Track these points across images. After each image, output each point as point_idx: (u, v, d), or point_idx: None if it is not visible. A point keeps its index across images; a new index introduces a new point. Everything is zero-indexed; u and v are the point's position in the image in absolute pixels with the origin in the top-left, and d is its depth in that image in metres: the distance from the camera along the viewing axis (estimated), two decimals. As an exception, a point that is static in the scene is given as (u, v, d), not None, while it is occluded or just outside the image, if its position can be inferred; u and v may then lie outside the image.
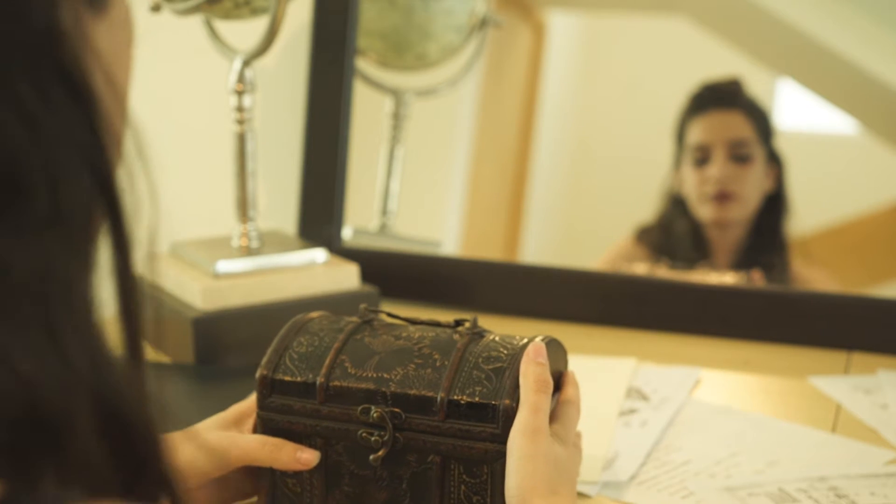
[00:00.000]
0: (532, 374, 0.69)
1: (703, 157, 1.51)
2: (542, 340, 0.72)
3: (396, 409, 0.70)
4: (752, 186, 1.51)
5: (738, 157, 1.50)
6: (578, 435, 0.76)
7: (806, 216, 1.56)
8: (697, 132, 1.53)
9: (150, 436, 0.40)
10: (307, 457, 0.72)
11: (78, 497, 0.36)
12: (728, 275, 1.41)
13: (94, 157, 0.39)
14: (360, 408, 0.71)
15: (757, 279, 1.41)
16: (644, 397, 0.99)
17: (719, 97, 1.55)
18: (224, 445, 0.71)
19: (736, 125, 1.54)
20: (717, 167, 1.49)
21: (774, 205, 1.51)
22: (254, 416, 0.74)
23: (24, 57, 0.37)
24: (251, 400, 0.75)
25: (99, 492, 0.37)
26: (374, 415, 0.70)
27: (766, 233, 1.51)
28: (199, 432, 0.72)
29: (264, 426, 0.73)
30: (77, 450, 0.37)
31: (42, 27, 0.38)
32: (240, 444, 0.71)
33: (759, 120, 1.55)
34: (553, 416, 0.72)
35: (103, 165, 0.39)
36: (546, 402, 0.68)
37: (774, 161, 1.53)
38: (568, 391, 0.74)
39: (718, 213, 1.51)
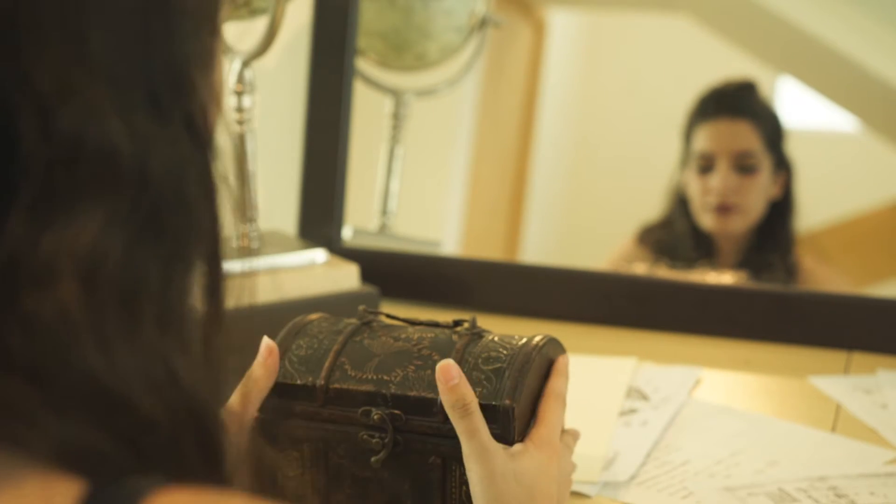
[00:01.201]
0: (450, 401, 0.66)
1: (707, 166, 1.49)
2: (542, 340, 0.72)
3: (397, 411, 0.70)
4: (756, 197, 1.49)
5: (743, 167, 1.48)
6: (570, 433, 0.74)
7: (806, 213, 1.56)
8: (703, 139, 1.50)
9: (219, 427, 0.44)
10: (265, 349, 0.72)
11: (160, 483, 0.39)
12: (727, 274, 1.41)
13: (209, 198, 0.46)
14: (360, 410, 0.71)
15: (740, 278, 1.40)
16: (644, 397, 0.99)
17: (728, 104, 1.51)
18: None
19: (743, 135, 1.50)
20: (721, 178, 1.47)
21: (780, 210, 1.49)
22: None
23: (162, 100, 0.43)
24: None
25: (178, 478, 0.40)
26: (375, 417, 0.70)
27: (771, 236, 1.50)
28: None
29: (263, 429, 0.73)
30: (161, 444, 0.41)
31: (179, 78, 0.44)
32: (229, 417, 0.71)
33: (769, 128, 1.51)
34: (537, 416, 0.71)
35: (214, 206, 0.46)
36: (478, 421, 0.66)
37: (783, 167, 1.50)
38: (553, 383, 0.72)
39: (720, 224, 1.49)
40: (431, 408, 0.70)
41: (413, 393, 0.70)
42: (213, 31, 0.47)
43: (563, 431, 0.73)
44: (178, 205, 0.43)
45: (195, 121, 0.45)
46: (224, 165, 0.47)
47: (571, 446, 0.74)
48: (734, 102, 1.52)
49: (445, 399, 0.66)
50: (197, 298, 0.46)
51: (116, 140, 0.41)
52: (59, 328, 0.39)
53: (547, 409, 0.71)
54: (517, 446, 0.67)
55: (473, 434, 0.65)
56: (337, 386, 0.72)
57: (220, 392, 0.47)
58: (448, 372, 0.66)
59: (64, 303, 0.39)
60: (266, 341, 0.72)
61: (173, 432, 0.41)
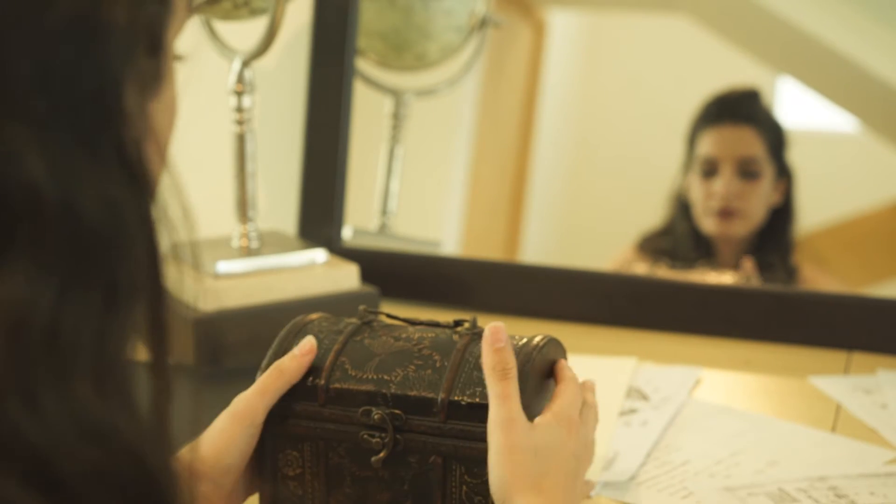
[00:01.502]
0: (491, 362, 0.67)
1: (710, 170, 1.50)
2: (542, 340, 0.72)
3: (397, 411, 0.70)
4: (758, 202, 1.50)
5: (746, 173, 1.49)
6: (590, 407, 0.73)
7: (805, 214, 1.56)
8: (707, 144, 1.52)
9: (167, 477, 0.42)
10: (306, 346, 0.72)
11: None
12: (727, 274, 1.41)
13: (147, 237, 0.42)
14: (360, 410, 0.71)
15: (748, 269, 1.40)
16: (644, 397, 0.99)
17: (733, 110, 1.53)
18: (233, 412, 0.70)
19: (747, 142, 1.52)
20: (724, 183, 1.48)
21: (781, 216, 1.51)
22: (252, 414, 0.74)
23: (93, 135, 0.40)
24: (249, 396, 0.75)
25: None
26: (375, 417, 0.70)
27: (771, 242, 1.51)
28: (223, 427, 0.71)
29: (264, 429, 0.73)
30: (95, 500, 0.39)
31: (111, 109, 0.41)
32: (250, 401, 0.70)
33: (772, 135, 1.53)
34: (554, 394, 0.70)
35: (153, 244, 0.43)
36: (513, 389, 0.66)
37: (784, 174, 1.52)
38: (562, 374, 0.72)
39: (721, 228, 1.50)
40: (432, 407, 0.70)
41: (413, 393, 0.70)
42: (155, 50, 0.44)
43: (584, 405, 0.72)
44: (111, 248, 0.40)
45: (129, 154, 0.41)
46: (164, 199, 0.44)
47: (591, 422, 0.72)
48: (739, 109, 1.53)
49: (487, 360, 0.67)
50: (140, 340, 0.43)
51: (38, 180, 0.38)
52: None
53: (564, 386, 0.70)
54: (538, 419, 0.67)
55: (505, 400, 0.65)
56: (337, 386, 0.72)
57: (165, 438, 0.44)
58: (497, 334, 0.67)
59: None
60: (311, 340, 0.73)
61: (108, 488, 0.39)
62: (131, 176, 0.41)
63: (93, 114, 0.40)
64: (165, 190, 0.45)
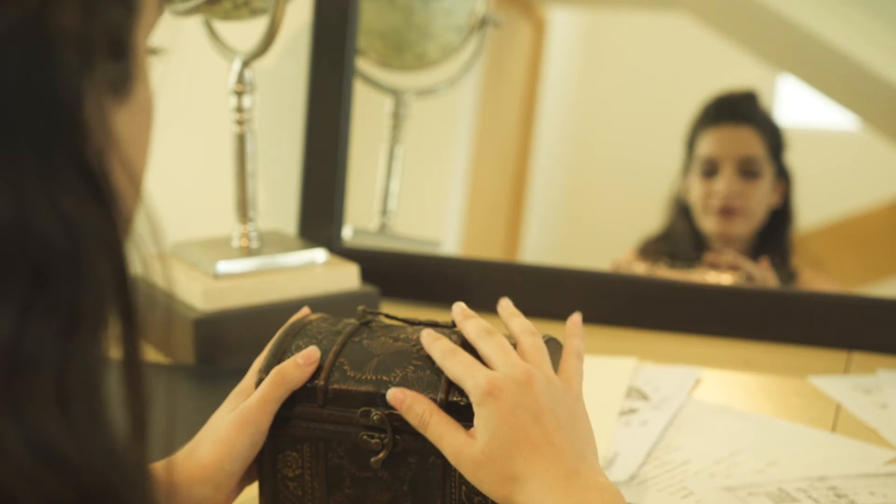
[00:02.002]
0: (412, 421, 0.68)
1: (711, 170, 1.51)
2: (542, 340, 0.73)
3: (396, 412, 0.70)
4: (758, 202, 1.51)
5: (747, 172, 1.50)
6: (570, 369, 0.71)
7: (805, 212, 1.56)
8: (708, 145, 1.52)
9: (142, 498, 0.40)
10: (311, 357, 0.72)
11: None
12: (727, 274, 1.41)
13: (112, 254, 0.40)
14: (359, 410, 0.71)
15: (765, 267, 1.40)
16: (644, 397, 0.99)
17: (733, 111, 1.54)
18: (238, 421, 0.70)
19: (747, 141, 1.53)
20: (725, 182, 1.49)
21: (779, 218, 1.51)
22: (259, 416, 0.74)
23: (47, 150, 0.38)
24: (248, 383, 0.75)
25: None
26: (374, 417, 0.70)
27: (771, 244, 1.51)
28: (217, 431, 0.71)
29: (264, 430, 0.74)
30: None
31: (67, 122, 0.38)
32: (254, 411, 0.70)
33: (772, 136, 1.54)
34: (559, 371, 0.70)
35: (119, 262, 0.40)
36: (437, 428, 0.66)
37: (783, 176, 1.53)
38: (570, 343, 0.72)
39: (722, 227, 1.51)
40: None
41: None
42: (120, 54, 0.42)
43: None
44: (72, 269, 0.38)
45: (89, 167, 0.39)
46: (135, 225, 0.42)
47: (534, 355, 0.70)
48: (739, 109, 1.54)
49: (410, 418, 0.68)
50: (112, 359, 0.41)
51: None
52: None
53: (567, 364, 0.70)
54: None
55: (439, 441, 0.66)
56: (336, 386, 0.72)
57: (141, 464, 0.42)
58: (397, 401, 0.68)
59: None
60: (315, 350, 0.72)
61: None
62: (92, 190, 0.39)
63: (46, 126, 0.38)
64: (132, 201, 0.42)
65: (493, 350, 0.68)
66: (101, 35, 0.40)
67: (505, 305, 0.76)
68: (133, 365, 0.42)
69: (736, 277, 1.37)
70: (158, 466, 0.48)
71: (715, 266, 1.34)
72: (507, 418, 0.64)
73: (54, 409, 0.38)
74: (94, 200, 0.39)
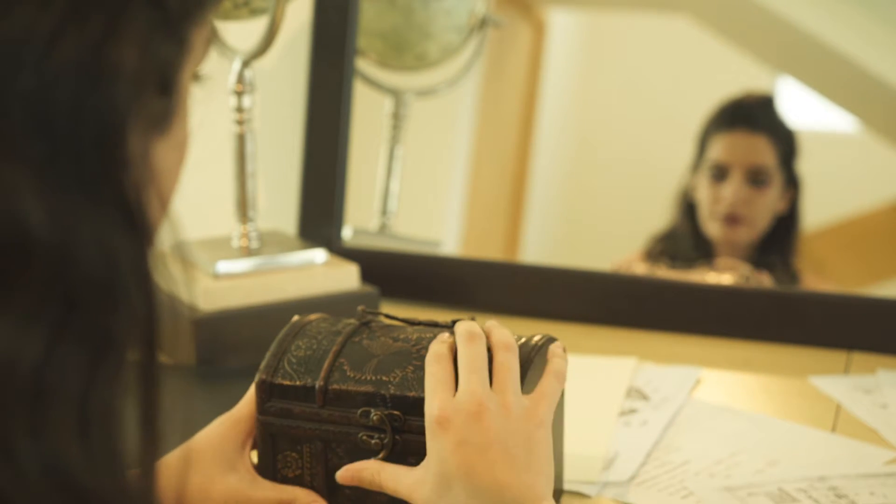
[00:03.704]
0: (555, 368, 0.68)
1: (720, 174, 1.50)
2: (541, 340, 0.72)
3: (396, 412, 0.70)
4: (765, 210, 1.50)
5: (756, 181, 1.49)
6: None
7: (806, 214, 1.56)
8: (719, 149, 1.51)
9: None
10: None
11: None
12: (727, 275, 1.41)
13: (144, 286, 0.41)
14: (359, 411, 0.71)
15: (765, 280, 1.40)
16: (644, 397, 0.99)
17: (747, 117, 1.53)
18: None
19: (759, 150, 1.52)
20: (733, 189, 1.48)
21: (785, 225, 1.51)
22: (250, 419, 0.74)
23: (93, 179, 0.39)
24: (249, 402, 0.75)
25: None
26: (374, 418, 0.70)
27: (774, 249, 1.51)
28: (210, 488, 0.71)
29: (264, 431, 0.73)
30: None
31: (112, 153, 0.39)
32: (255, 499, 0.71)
33: (785, 144, 1.53)
34: (536, 392, 0.69)
35: (150, 294, 0.41)
36: (384, 480, 0.67)
37: (792, 183, 1.52)
38: (552, 364, 0.70)
39: (726, 234, 1.50)
40: None
41: (412, 393, 0.70)
42: (167, 90, 0.43)
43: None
44: (104, 297, 0.39)
45: (128, 200, 0.40)
46: (161, 249, 0.42)
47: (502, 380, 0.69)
48: (755, 116, 1.53)
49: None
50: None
51: (33, 225, 0.37)
52: None
53: (543, 384, 0.69)
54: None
55: (395, 491, 0.66)
56: (336, 387, 0.72)
57: (150, 489, 0.42)
58: (346, 479, 0.69)
59: None
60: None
61: None
62: (130, 223, 0.40)
63: (93, 158, 0.39)
64: (164, 236, 0.43)
65: (463, 364, 0.66)
66: (153, 71, 0.41)
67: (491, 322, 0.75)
68: (150, 395, 0.42)
69: (736, 277, 1.37)
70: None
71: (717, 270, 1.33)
72: (453, 452, 0.63)
73: (74, 435, 0.38)
74: (132, 232, 0.40)
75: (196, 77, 0.47)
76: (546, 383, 0.69)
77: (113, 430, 0.40)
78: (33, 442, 0.37)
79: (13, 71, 0.37)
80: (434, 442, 0.65)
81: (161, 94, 0.42)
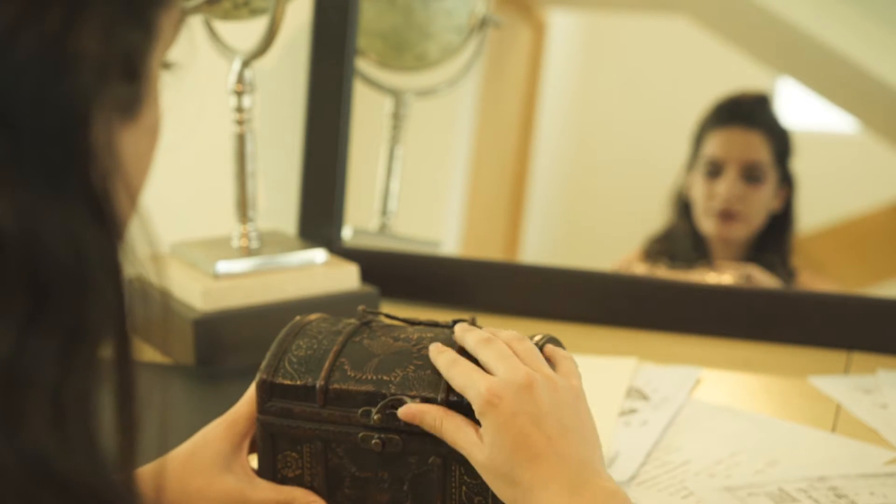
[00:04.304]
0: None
1: (714, 171, 1.51)
2: (541, 340, 0.72)
3: (396, 412, 0.70)
4: (759, 207, 1.51)
5: (750, 177, 1.50)
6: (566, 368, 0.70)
7: (805, 215, 1.56)
8: (714, 145, 1.52)
9: None
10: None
11: None
12: (727, 274, 1.41)
13: (112, 274, 0.41)
14: (360, 410, 0.71)
15: (758, 277, 1.40)
16: (644, 397, 0.99)
17: (743, 114, 1.54)
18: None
19: (754, 146, 1.52)
20: (727, 185, 1.49)
21: (779, 223, 1.51)
22: (250, 419, 0.74)
23: (57, 169, 0.38)
24: (247, 402, 0.75)
25: None
26: (375, 417, 0.70)
27: (769, 247, 1.51)
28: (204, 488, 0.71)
29: (264, 430, 0.73)
30: None
31: (77, 142, 0.39)
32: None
33: (779, 142, 1.53)
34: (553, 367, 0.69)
35: (118, 282, 0.41)
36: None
37: (786, 182, 1.52)
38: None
39: (721, 230, 1.50)
40: None
41: (413, 393, 0.70)
42: (133, 76, 0.42)
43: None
44: (73, 288, 0.39)
45: (95, 190, 0.39)
46: (130, 241, 0.42)
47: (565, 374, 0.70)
48: (750, 113, 1.54)
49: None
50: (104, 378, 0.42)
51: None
52: None
53: (564, 365, 0.69)
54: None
55: (454, 444, 0.66)
56: (336, 386, 0.72)
57: (129, 476, 0.43)
58: (410, 416, 0.68)
59: None
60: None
61: None
62: (97, 213, 0.40)
63: (58, 150, 0.38)
64: (133, 225, 0.43)
65: (492, 358, 0.67)
66: (118, 59, 0.41)
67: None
68: (126, 383, 0.43)
69: (735, 277, 1.37)
70: (146, 471, 0.48)
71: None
72: (508, 427, 0.63)
73: (49, 425, 0.38)
74: (99, 222, 0.40)
75: (166, 65, 0.46)
76: (566, 364, 0.69)
77: (89, 419, 0.40)
78: (9, 435, 0.37)
79: None
80: (486, 420, 0.64)
81: (128, 80, 0.42)
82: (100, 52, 0.39)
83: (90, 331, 0.40)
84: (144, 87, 0.43)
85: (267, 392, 0.73)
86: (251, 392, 0.74)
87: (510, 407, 0.63)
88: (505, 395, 0.64)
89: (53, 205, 0.38)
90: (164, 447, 0.51)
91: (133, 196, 0.44)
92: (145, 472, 0.47)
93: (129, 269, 0.42)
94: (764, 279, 1.37)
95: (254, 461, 0.75)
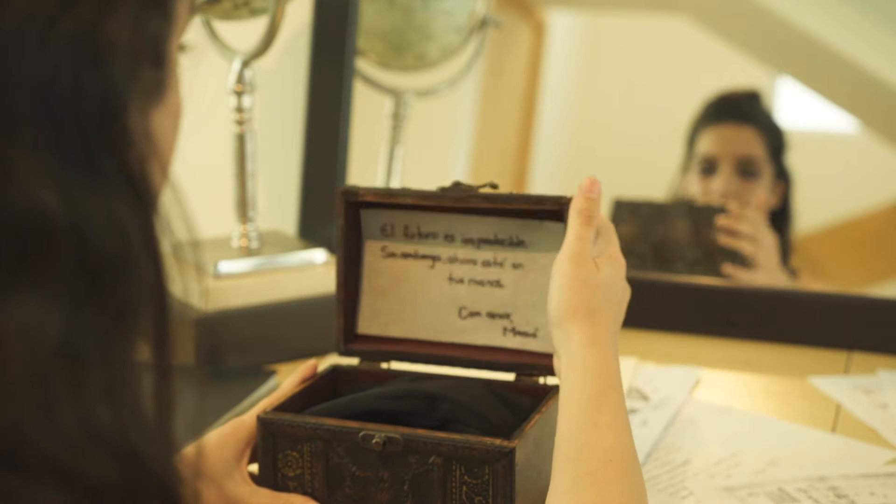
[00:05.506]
0: (579, 206, 0.72)
1: (709, 168, 1.51)
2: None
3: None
4: (756, 202, 1.50)
5: (745, 172, 1.49)
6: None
7: (806, 215, 1.56)
8: (708, 142, 1.52)
9: (172, 478, 0.43)
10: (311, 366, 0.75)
11: None
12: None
13: (153, 255, 0.43)
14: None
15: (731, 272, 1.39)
16: (644, 397, 0.99)
17: (735, 110, 1.53)
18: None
19: (747, 141, 1.52)
20: (722, 181, 1.49)
21: (778, 220, 1.50)
22: (250, 428, 0.74)
23: (97, 155, 0.41)
24: (253, 414, 0.75)
25: None
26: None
27: None
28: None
29: (265, 429, 0.73)
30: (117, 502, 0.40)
31: (115, 128, 0.41)
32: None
33: (772, 137, 1.53)
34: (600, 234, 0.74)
35: (159, 262, 0.43)
36: (590, 233, 0.71)
37: (782, 177, 1.52)
38: (602, 219, 0.76)
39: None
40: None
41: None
42: (159, 61, 0.45)
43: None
44: (119, 268, 0.41)
45: (132, 172, 0.42)
46: (167, 216, 0.44)
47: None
48: (741, 109, 1.54)
49: (576, 204, 0.73)
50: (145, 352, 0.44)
51: (48, 208, 0.39)
52: (6, 403, 0.39)
53: (608, 230, 0.74)
54: (599, 262, 0.71)
55: (582, 240, 0.70)
56: (337, 386, 0.72)
57: (169, 445, 0.45)
58: (593, 186, 0.73)
59: (8, 380, 0.39)
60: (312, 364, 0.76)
61: (126, 490, 0.41)
62: (135, 194, 0.42)
63: (97, 137, 0.40)
64: (167, 200, 0.45)
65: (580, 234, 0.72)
66: (146, 45, 0.43)
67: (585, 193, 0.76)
68: (164, 363, 0.45)
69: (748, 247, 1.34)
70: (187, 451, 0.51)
71: (730, 233, 1.32)
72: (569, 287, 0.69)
73: (103, 399, 0.41)
74: (139, 204, 0.42)
75: (182, 49, 0.49)
76: (614, 250, 0.74)
77: (135, 395, 0.42)
78: (71, 405, 0.40)
79: (16, 60, 0.39)
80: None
81: (155, 66, 0.44)
82: (130, 40, 0.42)
83: (135, 307, 0.42)
84: (168, 72, 0.46)
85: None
86: (262, 404, 0.75)
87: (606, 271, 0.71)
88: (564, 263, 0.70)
89: (97, 190, 0.40)
90: (199, 430, 0.53)
91: (165, 173, 0.46)
92: (186, 453, 0.50)
93: (166, 246, 0.45)
94: (768, 237, 1.35)
95: (254, 469, 0.75)
